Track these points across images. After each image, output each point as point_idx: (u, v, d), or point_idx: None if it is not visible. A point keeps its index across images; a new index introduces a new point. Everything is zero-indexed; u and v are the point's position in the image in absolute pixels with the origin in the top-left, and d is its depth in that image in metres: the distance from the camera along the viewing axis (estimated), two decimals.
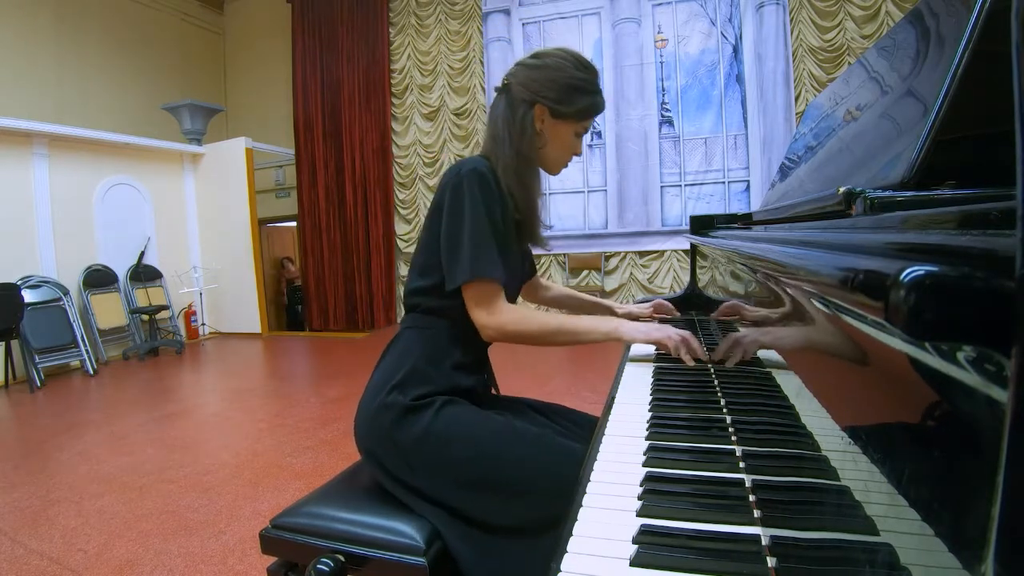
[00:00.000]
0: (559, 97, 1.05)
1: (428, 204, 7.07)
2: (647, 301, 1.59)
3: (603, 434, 0.80)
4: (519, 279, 1.18)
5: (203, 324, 6.41)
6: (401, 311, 6.72)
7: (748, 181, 5.34)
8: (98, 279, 5.46)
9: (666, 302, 1.58)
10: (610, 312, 1.46)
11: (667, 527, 0.55)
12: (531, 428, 0.98)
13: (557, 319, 1.04)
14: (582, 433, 1.08)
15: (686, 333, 1.06)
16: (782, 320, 0.65)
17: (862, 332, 0.35)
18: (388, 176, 6.53)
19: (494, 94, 1.13)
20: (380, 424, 0.96)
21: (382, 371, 1.02)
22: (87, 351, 4.95)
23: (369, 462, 0.99)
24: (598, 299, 1.50)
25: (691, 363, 1.04)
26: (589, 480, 0.66)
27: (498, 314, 0.99)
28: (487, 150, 1.08)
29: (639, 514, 0.58)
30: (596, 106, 1.09)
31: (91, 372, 4.85)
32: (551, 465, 0.89)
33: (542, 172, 1.17)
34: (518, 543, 0.86)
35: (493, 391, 1.18)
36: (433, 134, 6.40)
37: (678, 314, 1.57)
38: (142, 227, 6.00)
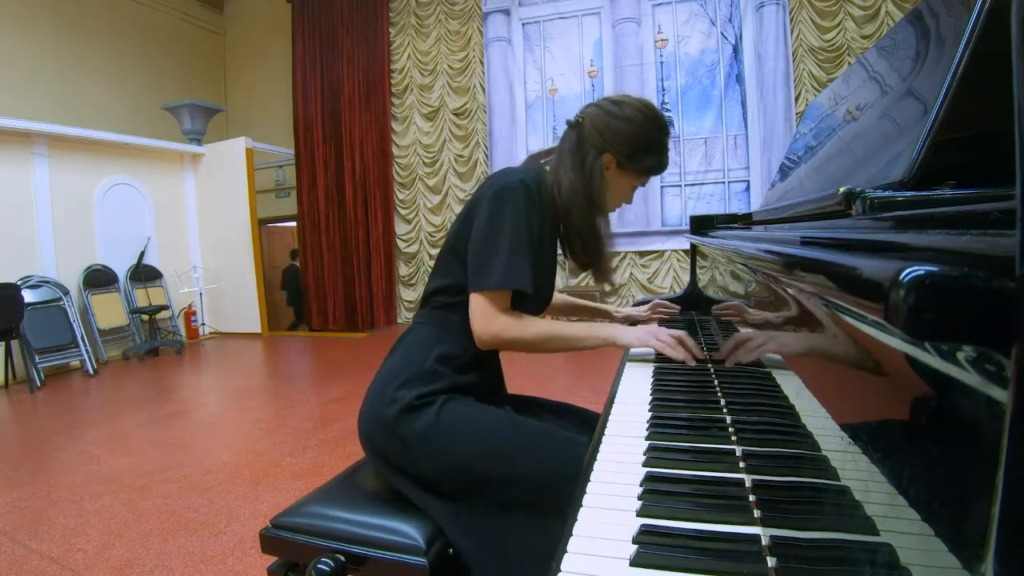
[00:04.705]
0: (630, 152, 1.06)
1: (428, 204, 6.90)
2: (645, 303, 1.58)
3: (603, 434, 0.80)
4: (545, 297, 1.15)
5: (203, 324, 6.41)
6: (401, 311, 6.73)
7: (748, 181, 5.34)
8: (98, 279, 5.46)
9: (664, 301, 1.58)
10: (607, 317, 1.46)
11: (667, 527, 0.55)
12: (534, 421, 0.99)
13: (554, 326, 1.04)
14: (591, 430, 1.08)
15: (681, 333, 1.06)
16: (782, 320, 0.65)
17: (862, 332, 0.35)
18: (388, 176, 6.52)
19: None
20: (384, 417, 0.96)
21: (391, 364, 1.03)
22: (87, 351, 4.95)
23: (371, 452, 1.00)
24: (596, 304, 1.50)
25: (692, 363, 1.03)
26: (589, 480, 0.66)
27: (495, 322, 0.99)
28: (547, 169, 1.09)
29: (639, 514, 0.58)
30: (661, 166, 1.11)
31: (91, 372, 4.85)
32: (554, 457, 0.90)
33: None
34: (521, 533, 0.86)
35: (503, 389, 1.18)
36: (433, 134, 6.39)
37: (677, 309, 1.56)
38: (142, 227, 6.00)
